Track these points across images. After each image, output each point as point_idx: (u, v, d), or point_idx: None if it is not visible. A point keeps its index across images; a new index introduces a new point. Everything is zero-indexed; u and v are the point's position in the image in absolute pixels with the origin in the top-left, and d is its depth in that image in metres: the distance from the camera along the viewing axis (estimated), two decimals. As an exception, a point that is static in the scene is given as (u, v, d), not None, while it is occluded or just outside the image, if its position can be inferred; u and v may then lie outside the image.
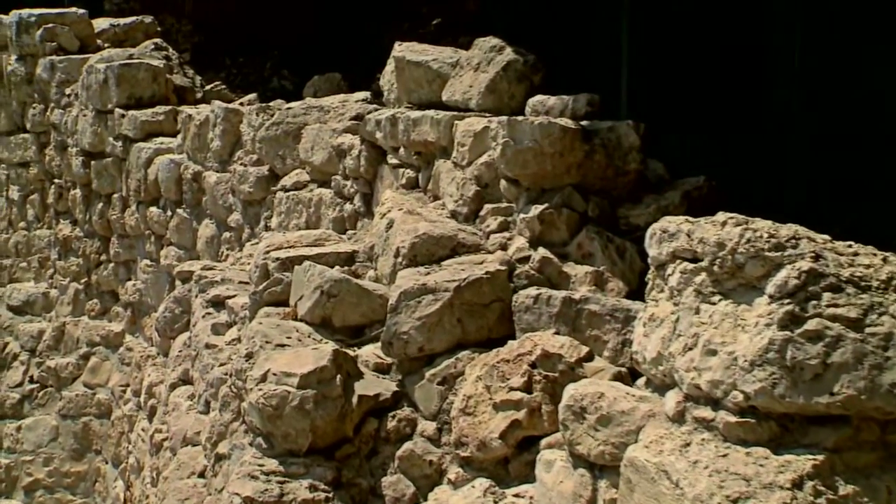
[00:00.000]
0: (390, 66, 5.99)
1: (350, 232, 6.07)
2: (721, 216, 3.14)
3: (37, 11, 10.27)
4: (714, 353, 3.04)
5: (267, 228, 7.08)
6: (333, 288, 4.77)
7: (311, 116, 6.86)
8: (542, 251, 4.51)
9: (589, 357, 3.98)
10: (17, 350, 10.65)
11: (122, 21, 10.47)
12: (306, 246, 5.44)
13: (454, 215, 5.05)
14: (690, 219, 3.26)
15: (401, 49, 5.84)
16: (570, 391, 3.55)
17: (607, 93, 5.23)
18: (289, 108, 7.09)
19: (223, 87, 9.65)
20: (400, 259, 4.75)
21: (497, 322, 4.39)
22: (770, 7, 5.58)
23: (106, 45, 10.07)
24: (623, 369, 3.87)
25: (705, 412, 3.06)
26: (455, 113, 5.28)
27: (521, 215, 4.63)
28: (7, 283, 11.12)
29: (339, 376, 4.31)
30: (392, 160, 5.80)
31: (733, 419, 2.97)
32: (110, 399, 9.70)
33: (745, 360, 2.94)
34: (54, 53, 9.98)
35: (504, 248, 4.66)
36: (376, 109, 6.23)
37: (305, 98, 7.61)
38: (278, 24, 11.24)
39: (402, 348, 4.42)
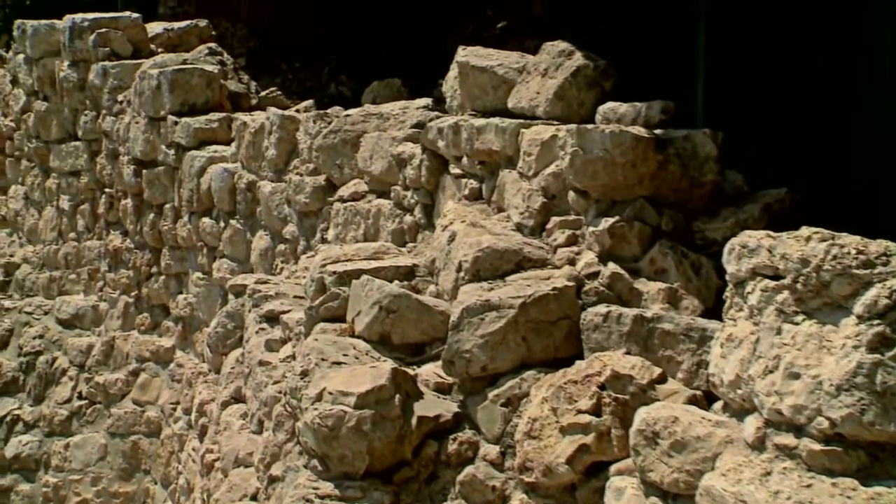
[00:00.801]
0: (453, 71, 6.02)
1: (410, 245, 6.10)
2: (805, 231, 3.11)
3: (90, 16, 10.43)
4: (797, 376, 3.00)
5: (323, 241, 7.13)
6: (392, 303, 4.79)
7: (369, 124, 6.90)
8: (612, 266, 4.49)
9: (662, 379, 3.95)
10: (65, 365, 10.82)
11: (176, 25, 10.61)
12: (364, 259, 5.48)
13: (519, 228, 5.05)
14: (772, 233, 3.23)
15: (464, 53, 5.86)
16: (642, 415, 3.53)
17: (683, 99, 5.20)
18: (347, 116, 7.14)
19: (279, 93, 9.75)
20: (462, 274, 4.76)
21: (564, 341, 4.37)
22: (861, 6, 5.51)
23: (160, 49, 10.21)
24: (698, 392, 3.84)
25: (787, 439, 3.02)
26: (521, 121, 5.29)
27: (591, 228, 4.62)
28: (56, 295, 11.31)
29: (397, 396, 4.33)
30: (454, 170, 5.81)
31: (818, 447, 2.93)
32: (160, 417, 9.82)
33: (831, 385, 2.90)
34: (107, 59, 10.12)
35: (572, 262, 4.65)
36: (438, 117, 6.25)
37: (364, 105, 7.66)
38: (336, 27, 11.35)
39: (463, 367, 4.42)
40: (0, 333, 11.58)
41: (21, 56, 11.50)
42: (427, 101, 6.98)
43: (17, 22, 11.56)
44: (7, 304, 11.77)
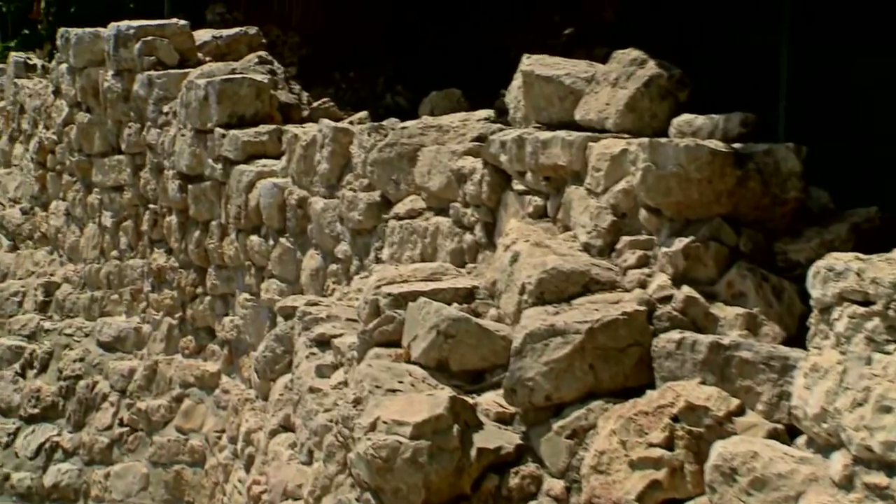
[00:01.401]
0: (517, 81, 6.04)
1: (470, 265, 6.11)
2: (897, 252, 3.08)
3: (136, 23, 10.57)
4: (889, 409, 2.97)
5: (378, 260, 7.17)
6: (451, 328, 4.81)
7: (427, 137, 6.94)
8: (686, 290, 4.47)
9: (740, 411, 3.92)
10: (106, 390, 10.96)
11: (224, 32, 10.74)
12: (421, 280, 5.50)
13: (587, 248, 5.04)
14: (861, 255, 3.20)
15: (529, 62, 5.87)
16: (719, 449, 3.51)
17: (763, 112, 5.17)
18: (403, 128, 7.19)
19: (332, 104, 9.82)
20: (525, 296, 4.76)
21: (634, 369, 4.36)
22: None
23: (207, 58, 10.33)
24: (779, 426, 3.81)
25: (878, 478, 2.99)
26: (589, 134, 5.29)
27: (663, 249, 4.60)
28: (97, 316, 11.46)
29: (456, 426, 4.34)
30: (518, 186, 5.82)
31: (911, 487, 2.90)
32: (204, 446, 9.90)
33: (926, 419, 2.86)
34: (153, 68, 10.25)
35: (643, 285, 4.64)
36: (501, 129, 6.27)
37: (422, 116, 7.70)
38: (392, 35, 11.43)
39: (526, 396, 4.42)
40: (39, 356, 11.79)
41: (64, 66, 11.70)
42: (489, 112, 7.00)
43: (61, 30, 11.77)
44: (47, 325, 11.98)
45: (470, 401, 4.57)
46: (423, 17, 11.26)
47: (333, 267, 7.92)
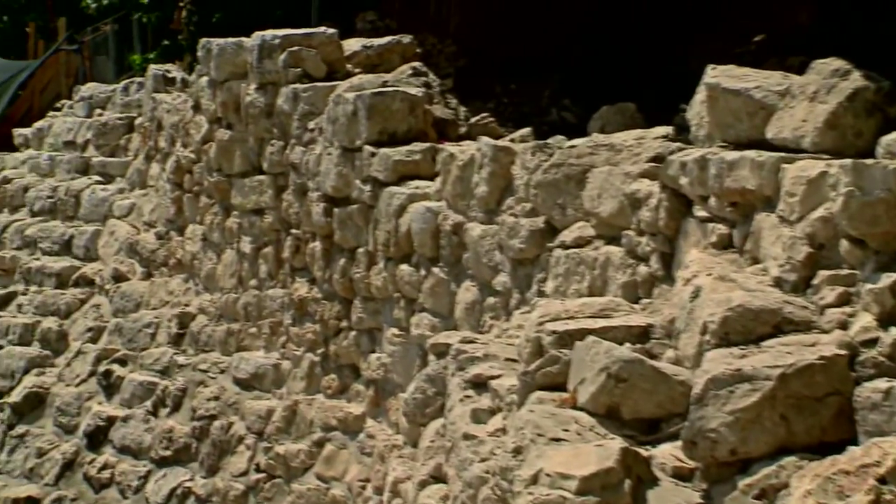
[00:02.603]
0: (700, 94, 6.01)
1: (644, 301, 6.10)
2: None
3: (281, 33, 10.83)
4: None
5: (541, 294, 7.19)
6: (623, 370, 4.80)
7: (598, 157, 6.95)
8: (894, 332, 4.38)
9: (959, 474, 3.82)
10: (242, 432, 11.20)
11: (375, 42, 10.94)
12: (589, 317, 5.50)
13: (779, 283, 4.98)
14: None
15: (714, 74, 5.84)
16: (933, 517, 3.42)
17: None
18: (571, 147, 7.22)
19: (491, 119, 9.92)
20: (708, 337, 4.73)
21: (833, 421, 4.28)
22: None
23: (357, 70, 10.54)
24: None
25: None
26: (783, 154, 5.24)
27: (868, 286, 4.52)
28: (234, 351, 11.72)
29: (628, 481, 4.33)
30: (699, 212, 5.79)
31: None
32: (347, 496, 10.03)
33: None
34: (298, 81, 10.48)
35: (844, 326, 4.56)
36: (681, 149, 6.25)
37: (591, 134, 7.72)
38: (559, 43, 11.47)
39: (708, 450, 4.38)
40: (172, 393, 12.14)
41: (204, 79, 12.07)
42: (667, 129, 6.98)
43: (202, 41, 12.15)
44: (180, 359, 12.32)
45: (644, 453, 4.56)
46: (594, 22, 11.27)
47: (491, 300, 7.97)
